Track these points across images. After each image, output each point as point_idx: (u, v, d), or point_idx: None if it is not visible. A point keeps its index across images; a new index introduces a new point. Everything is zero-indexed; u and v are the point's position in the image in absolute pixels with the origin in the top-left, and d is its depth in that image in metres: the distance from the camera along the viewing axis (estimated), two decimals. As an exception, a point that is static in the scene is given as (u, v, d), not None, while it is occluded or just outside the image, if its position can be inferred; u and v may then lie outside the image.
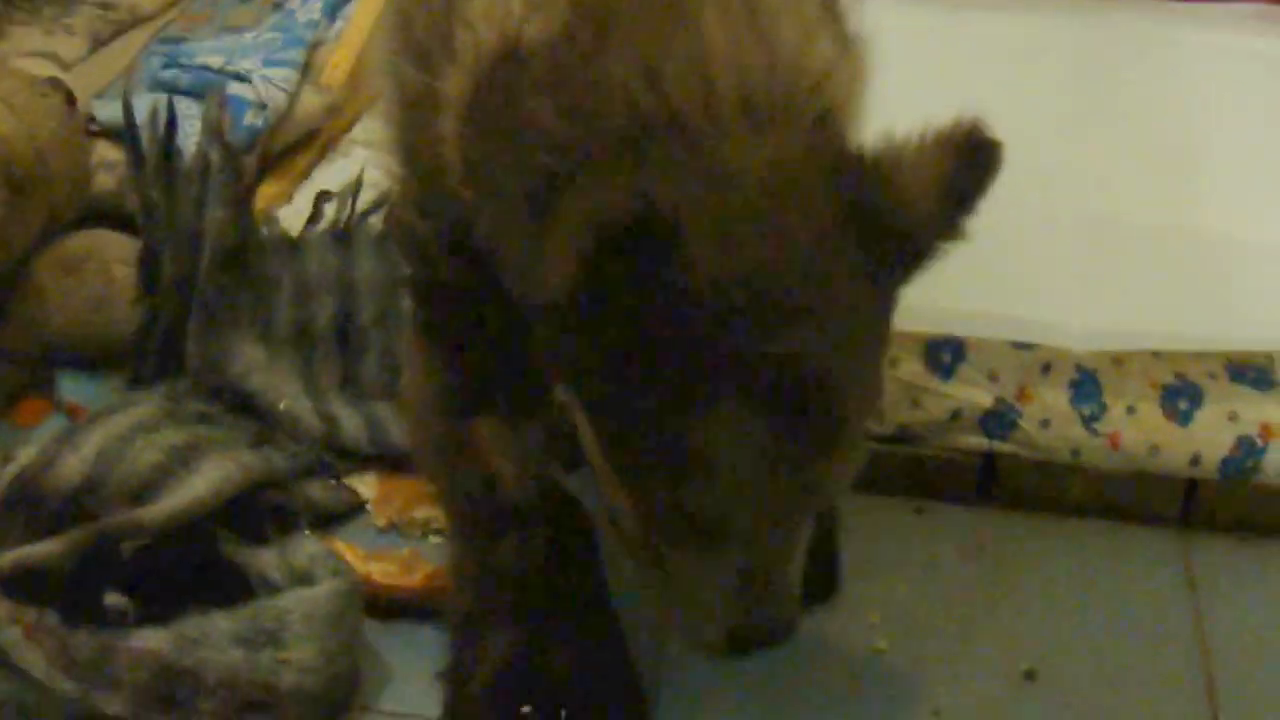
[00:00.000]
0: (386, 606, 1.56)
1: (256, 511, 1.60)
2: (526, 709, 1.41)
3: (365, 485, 1.73)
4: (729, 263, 1.10)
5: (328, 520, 1.68)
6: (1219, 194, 1.91)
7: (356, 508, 1.71)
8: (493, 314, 1.35)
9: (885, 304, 1.19)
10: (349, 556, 1.57)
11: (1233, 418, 1.73)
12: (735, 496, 1.15)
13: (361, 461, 1.74)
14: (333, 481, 1.71)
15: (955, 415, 1.73)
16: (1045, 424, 1.74)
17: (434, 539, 1.68)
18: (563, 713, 1.41)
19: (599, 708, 1.44)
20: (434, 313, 1.44)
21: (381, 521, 1.69)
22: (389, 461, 1.74)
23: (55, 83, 2.03)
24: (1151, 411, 1.74)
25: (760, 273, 1.10)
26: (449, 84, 1.25)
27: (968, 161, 1.15)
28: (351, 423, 1.74)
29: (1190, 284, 1.78)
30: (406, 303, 1.51)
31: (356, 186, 1.94)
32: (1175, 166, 1.94)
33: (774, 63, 1.16)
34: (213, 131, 1.82)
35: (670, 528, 1.19)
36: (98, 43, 2.27)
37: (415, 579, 1.57)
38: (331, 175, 2.09)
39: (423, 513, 1.69)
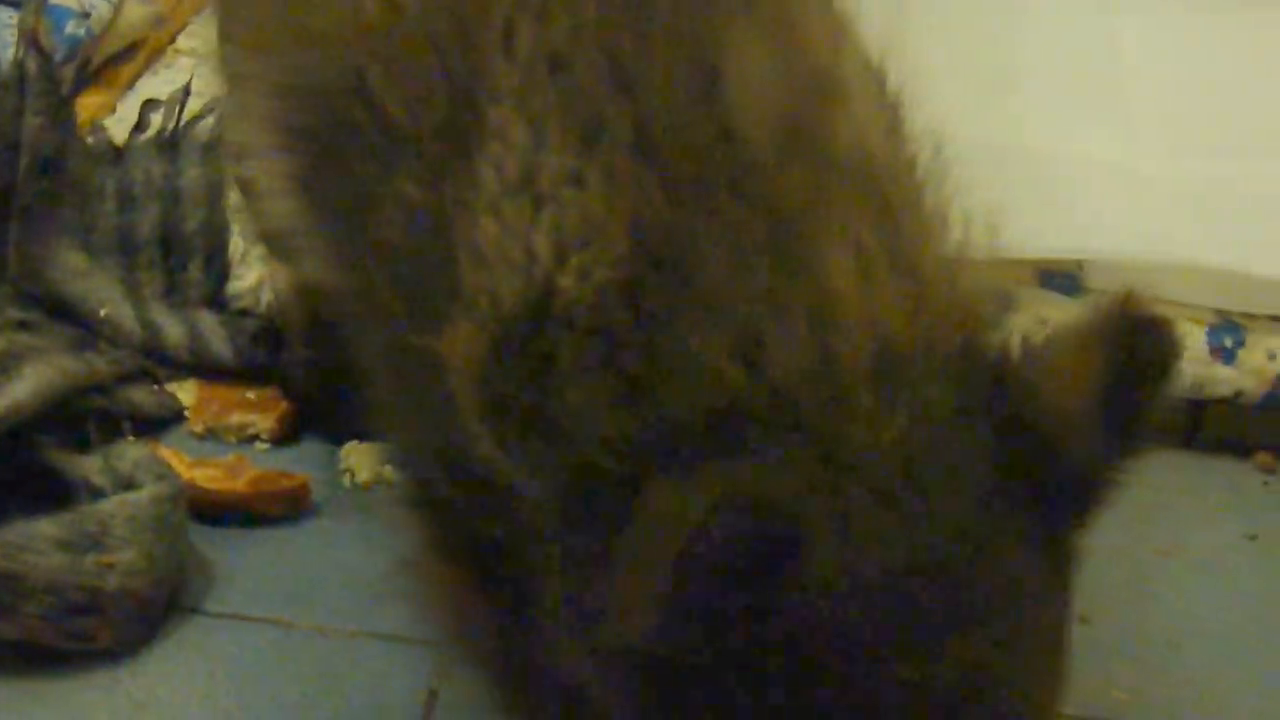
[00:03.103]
0: (211, 511, 1.56)
1: (79, 417, 1.59)
2: None
3: (185, 392, 1.72)
4: (856, 567, 0.81)
5: (151, 426, 1.67)
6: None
7: (179, 414, 1.71)
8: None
9: (1059, 564, 0.89)
10: (173, 462, 1.57)
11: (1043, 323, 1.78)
12: None
13: (181, 369, 1.74)
14: (155, 387, 1.71)
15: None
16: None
17: (260, 445, 1.69)
18: None
19: None
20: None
21: (199, 428, 1.69)
22: (208, 369, 1.73)
23: None
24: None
25: (894, 575, 0.82)
26: (456, 340, 0.94)
27: (1130, 355, 0.86)
28: (173, 331, 1.73)
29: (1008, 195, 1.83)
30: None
31: (183, 95, 1.92)
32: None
33: (920, 300, 0.88)
34: (29, 40, 1.79)
35: None
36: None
37: (239, 483, 1.58)
38: (157, 86, 2.06)
39: (238, 419, 1.69)
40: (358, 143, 1.05)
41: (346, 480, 1.65)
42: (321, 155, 1.13)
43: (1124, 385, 0.86)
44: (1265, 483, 1.79)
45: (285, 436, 1.70)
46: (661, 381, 0.85)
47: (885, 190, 0.92)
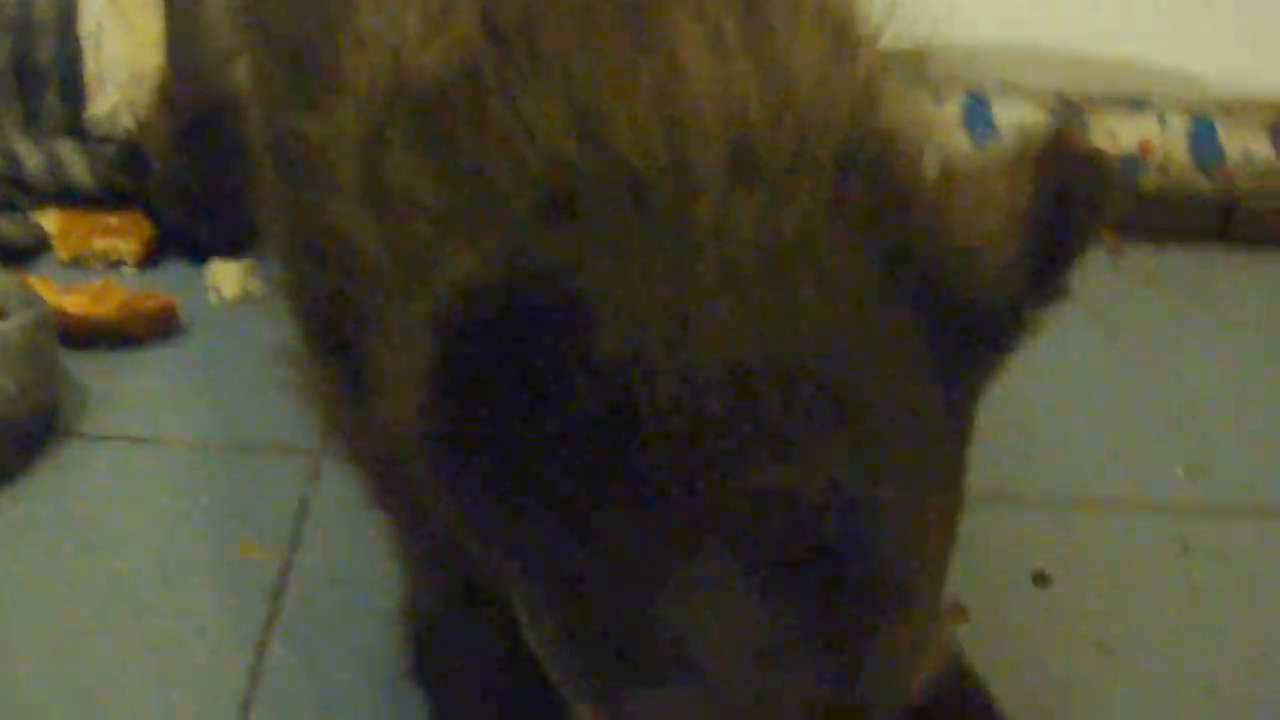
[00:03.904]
0: (82, 336, 1.59)
1: (-58, 251, 1.60)
2: None
3: (47, 221, 1.73)
4: (687, 354, 0.74)
5: (17, 256, 1.69)
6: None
7: (44, 242, 1.72)
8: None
9: (960, 398, 0.82)
10: (41, 290, 1.58)
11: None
12: (747, 706, 0.77)
13: (43, 198, 1.74)
14: (19, 216, 1.72)
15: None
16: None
17: (126, 269, 1.71)
18: None
19: None
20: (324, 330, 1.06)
21: (64, 255, 1.71)
22: (70, 197, 1.74)
23: None
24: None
25: (738, 367, 0.74)
26: (338, 122, 0.93)
27: (1058, 185, 0.80)
28: (32, 160, 1.74)
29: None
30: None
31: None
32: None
33: (786, 94, 0.82)
34: None
35: None
36: None
37: (107, 308, 1.60)
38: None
39: (102, 244, 1.71)
40: None
41: (213, 298, 1.68)
42: None
43: (1051, 220, 0.79)
44: (1113, 262, 1.85)
45: (150, 259, 1.72)
46: (491, 155, 0.82)
47: None
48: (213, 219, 1.71)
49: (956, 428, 0.82)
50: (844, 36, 0.88)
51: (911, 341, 0.78)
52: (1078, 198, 0.80)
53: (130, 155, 1.75)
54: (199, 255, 1.71)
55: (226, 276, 1.68)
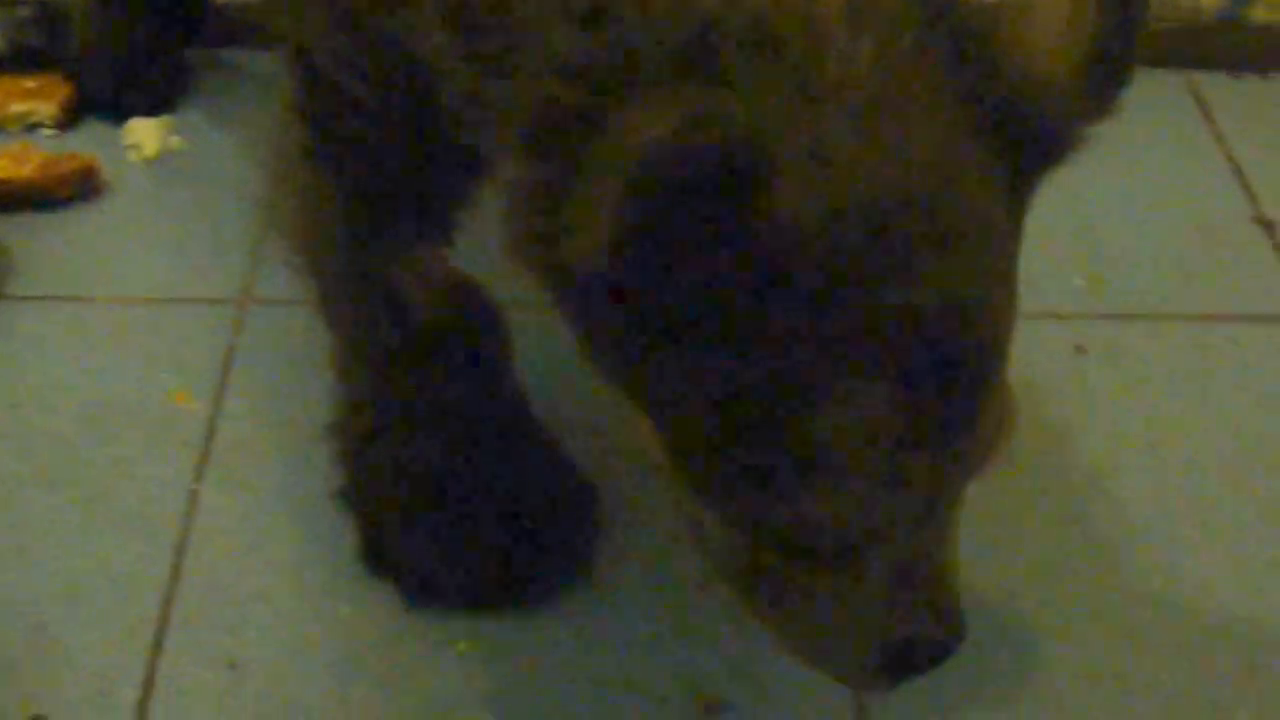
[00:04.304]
0: (4, 199, 1.62)
1: None
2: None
3: (-37, 87, 1.75)
4: (832, 195, 0.81)
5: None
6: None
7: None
8: (403, 132, 1.09)
9: (1019, 208, 0.90)
10: (-39, 156, 1.61)
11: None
12: (875, 493, 0.88)
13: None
14: (-67, 85, 1.73)
15: None
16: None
17: (45, 131, 1.73)
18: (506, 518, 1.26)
19: (547, 504, 1.28)
20: (331, 143, 1.13)
21: (-21, 122, 1.72)
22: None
23: None
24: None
25: (871, 203, 0.82)
26: None
27: (1114, 17, 0.86)
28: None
29: None
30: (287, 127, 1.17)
31: None
32: None
33: None
34: None
35: (791, 546, 0.92)
36: None
37: (28, 169, 1.62)
38: None
39: (19, 107, 1.73)
40: None
41: (133, 156, 1.70)
42: None
43: (1108, 47, 0.86)
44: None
45: (68, 120, 1.74)
46: (628, 4, 0.84)
47: None
48: (135, 79, 1.73)
49: (1018, 231, 0.91)
50: None
51: (991, 164, 0.86)
52: (1130, 22, 0.87)
53: (45, 18, 1.76)
54: (118, 114, 1.73)
55: (146, 134, 1.70)
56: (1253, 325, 1.58)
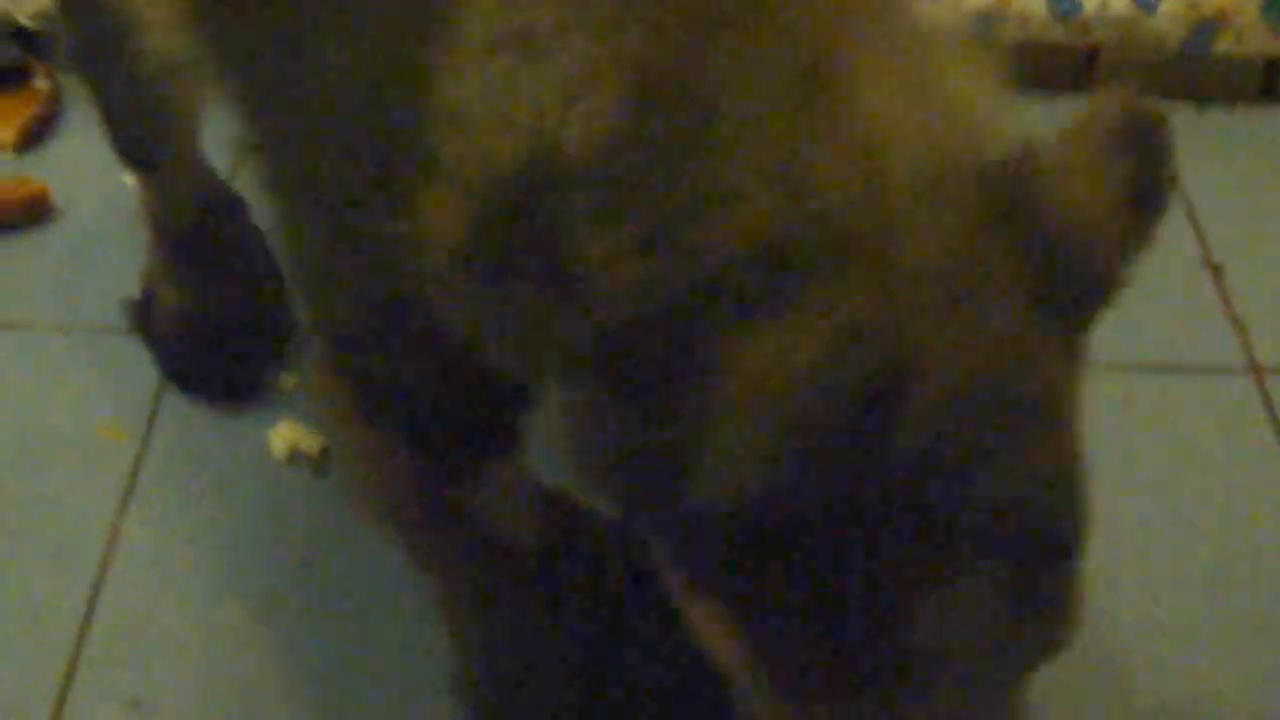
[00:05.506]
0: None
1: None
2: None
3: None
4: (939, 396, 0.78)
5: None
6: None
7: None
8: (446, 374, 1.02)
9: (1077, 366, 0.88)
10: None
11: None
12: (970, 686, 0.86)
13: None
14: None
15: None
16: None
17: (3, 156, 1.76)
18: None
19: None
20: (377, 397, 1.06)
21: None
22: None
23: None
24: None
25: (965, 395, 0.79)
26: (434, 211, 0.87)
27: (1142, 158, 0.86)
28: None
29: None
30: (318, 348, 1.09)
31: None
32: None
33: (949, 119, 0.85)
34: None
35: None
36: None
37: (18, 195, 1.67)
38: None
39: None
40: None
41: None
42: None
43: (1138, 188, 0.85)
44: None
45: (25, 144, 1.77)
46: (692, 220, 0.80)
47: (904, 9, 0.89)
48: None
49: (1080, 389, 0.88)
50: (968, 50, 0.90)
51: (1053, 325, 0.84)
52: (1158, 161, 0.86)
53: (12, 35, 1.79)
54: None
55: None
56: (1186, 377, 1.57)
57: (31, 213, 1.67)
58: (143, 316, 1.54)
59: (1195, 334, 1.62)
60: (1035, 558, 0.83)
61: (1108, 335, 1.47)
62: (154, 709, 1.26)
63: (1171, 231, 1.66)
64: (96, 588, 1.34)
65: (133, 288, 1.59)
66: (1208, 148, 1.87)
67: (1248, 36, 1.88)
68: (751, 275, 0.79)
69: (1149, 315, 1.62)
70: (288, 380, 1.52)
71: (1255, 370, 1.58)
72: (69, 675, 1.28)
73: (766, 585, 0.83)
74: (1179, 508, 1.44)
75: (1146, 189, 0.86)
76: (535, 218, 0.84)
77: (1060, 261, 0.84)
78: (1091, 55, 1.89)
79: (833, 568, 0.81)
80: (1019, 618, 0.84)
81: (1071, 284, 0.84)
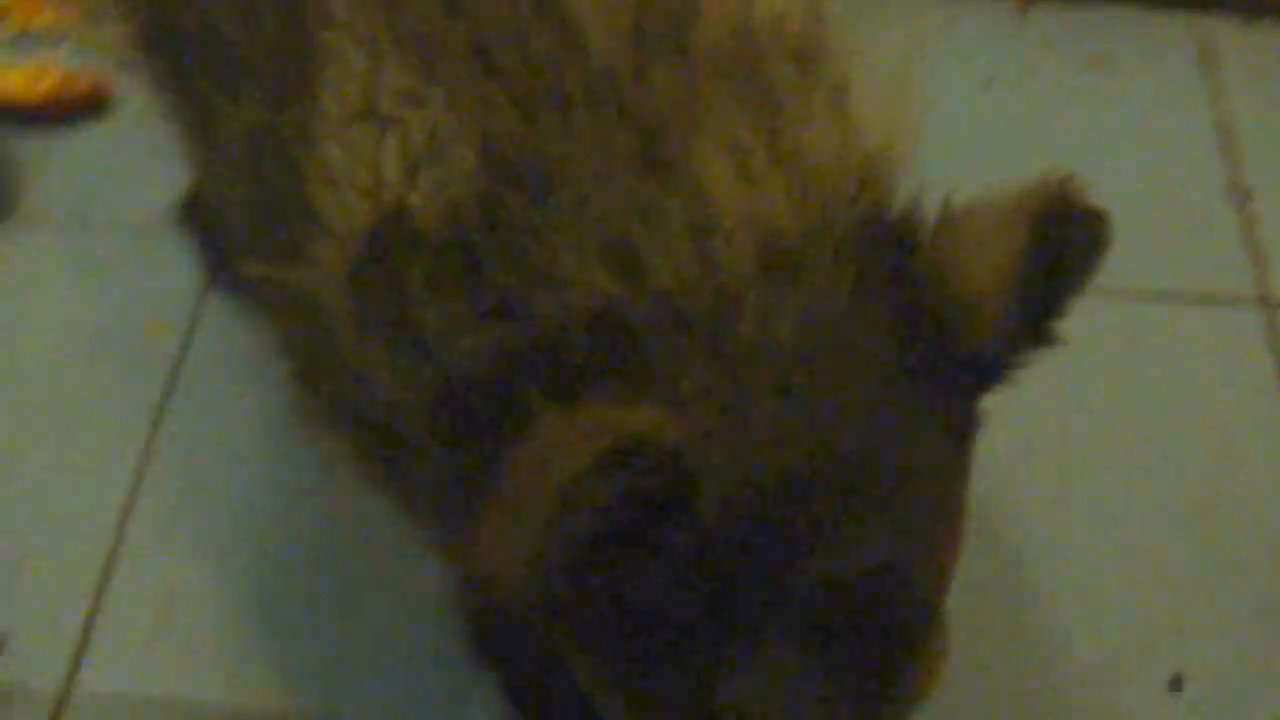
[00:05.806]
0: (21, 117, 1.70)
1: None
2: None
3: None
4: (752, 471, 0.79)
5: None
6: None
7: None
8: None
9: (962, 437, 0.86)
10: (-17, 71, 1.69)
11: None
12: None
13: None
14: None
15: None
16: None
17: (63, 47, 1.79)
18: None
19: None
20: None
21: (3, 36, 1.80)
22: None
23: None
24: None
25: (793, 474, 0.79)
26: (320, 258, 0.91)
27: (1053, 241, 0.82)
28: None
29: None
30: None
31: None
32: None
33: (807, 186, 0.84)
34: None
35: None
36: None
37: (42, 89, 1.71)
38: None
39: (41, 20, 1.80)
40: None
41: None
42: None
43: (1046, 277, 0.82)
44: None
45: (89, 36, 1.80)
46: (532, 291, 0.82)
47: (768, 75, 0.88)
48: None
49: (964, 463, 0.87)
50: (844, 99, 0.89)
51: (927, 400, 0.83)
52: (1072, 257, 0.83)
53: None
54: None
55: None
56: (1197, 307, 1.57)
57: (92, 106, 1.72)
58: (189, 215, 1.60)
59: (1209, 263, 1.60)
60: (859, 638, 0.81)
61: (1119, 261, 1.51)
62: (190, 602, 1.33)
63: (1198, 154, 1.67)
64: (137, 481, 1.42)
65: (182, 185, 1.65)
66: (1250, 65, 1.81)
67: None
68: (581, 352, 0.81)
69: (1165, 242, 1.61)
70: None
71: (1267, 303, 1.57)
72: (108, 568, 1.36)
73: (583, 657, 0.87)
74: (1170, 439, 1.46)
75: (1057, 281, 0.83)
76: (387, 276, 0.87)
77: (946, 331, 0.83)
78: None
79: (627, 649, 0.84)
80: (838, 696, 0.82)
81: (956, 355, 0.83)
